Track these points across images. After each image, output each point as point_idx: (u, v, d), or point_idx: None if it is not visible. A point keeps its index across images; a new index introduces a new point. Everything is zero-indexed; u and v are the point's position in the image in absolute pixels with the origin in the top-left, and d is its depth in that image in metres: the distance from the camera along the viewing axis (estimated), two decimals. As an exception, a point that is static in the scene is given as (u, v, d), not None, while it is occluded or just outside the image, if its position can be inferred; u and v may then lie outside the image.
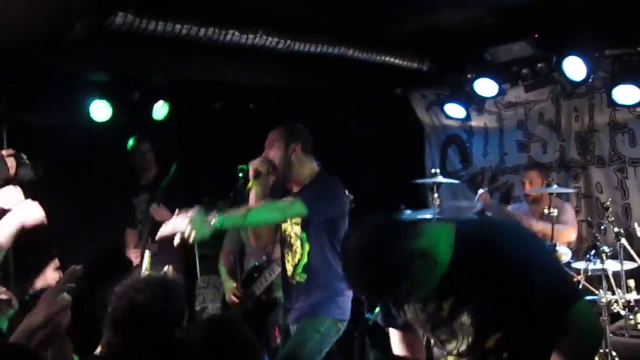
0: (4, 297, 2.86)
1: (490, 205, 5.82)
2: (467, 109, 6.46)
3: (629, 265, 4.98)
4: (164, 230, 3.12)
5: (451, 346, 2.23)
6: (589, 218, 5.91)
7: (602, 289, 4.83)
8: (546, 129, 6.37)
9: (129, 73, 5.72)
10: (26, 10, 4.00)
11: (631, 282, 4.99)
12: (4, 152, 3.01)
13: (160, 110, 6.28)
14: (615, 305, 4.84)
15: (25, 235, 2.92)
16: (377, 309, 2.99)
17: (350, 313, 3.75)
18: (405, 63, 6.02)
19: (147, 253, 4.54)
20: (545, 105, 6.35)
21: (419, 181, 6.18)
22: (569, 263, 5.18)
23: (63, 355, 2.14)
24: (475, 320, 2.11)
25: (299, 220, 3.66)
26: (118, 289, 2.25)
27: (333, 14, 5.03)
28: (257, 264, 4.88)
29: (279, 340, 4.40)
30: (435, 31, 5.43)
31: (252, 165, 3.63)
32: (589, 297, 4.68)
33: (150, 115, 6.26)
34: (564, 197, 5.89)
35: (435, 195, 5.68)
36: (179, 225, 3.06)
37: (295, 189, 3.72)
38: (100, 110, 5.97)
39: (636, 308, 4.89)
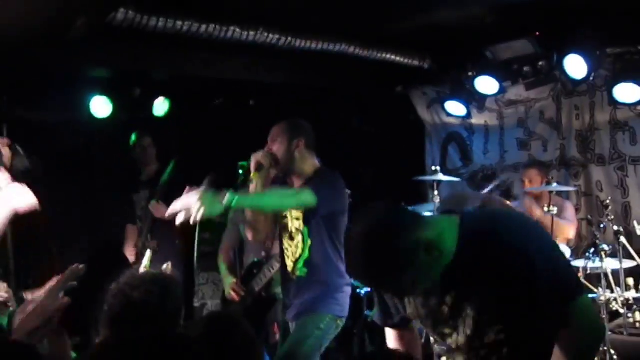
0: (1, 299, 2.85)
1: (494, 199, 5.82)
2: (467, 107, 6.46)
3: (628, 263, 4.98)
4: (174, 207, 3.06)
5: (451, 341, 2.22)
6: (589, 216, 5.90)
7: (601, 287, 4.84)
8: (547, 127, 6.37)
9: (130, 69, 5.73)
10: (27, 7, 4.00)
11: (630, 281, 5.00)
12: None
13: (160, 106, 6.29)
14: (614, 303, 4.85)
15: (21, 222, 2.90)
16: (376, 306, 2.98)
17: (349, 310, 3.75)
18: (406, 61, 6.02)
19: (148, 252, 4.54)
20: (546, 104, 6.34)
21: (419, 179, 6.19)
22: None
23: (61, 351, 2.15)
24: (477, 314, 2.09)
25: (299, 215, 3.66)
26: (114, 287, 2.25)
27: (334, 11, 5.02)
28: (256, 260, 4.88)
29: (278, 337, 4.41)
30: (437, 29, 5.43)
31: (255, 158, 3.62)
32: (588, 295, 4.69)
33: (150, 111, 6.27)
34: (564, 195, 5.89)
35: (436, 192, 5.69)
36: (188, 201, 3.03)
37: (297, 184, 3.71)
38: (101, 107, 5.98)
39: (635, 306, 4.89)
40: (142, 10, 4.37)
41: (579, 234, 5.82)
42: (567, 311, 2.03)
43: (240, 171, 3.89)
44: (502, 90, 6.14)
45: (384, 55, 5.79)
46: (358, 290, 5.49)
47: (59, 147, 5.88)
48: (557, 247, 2.26)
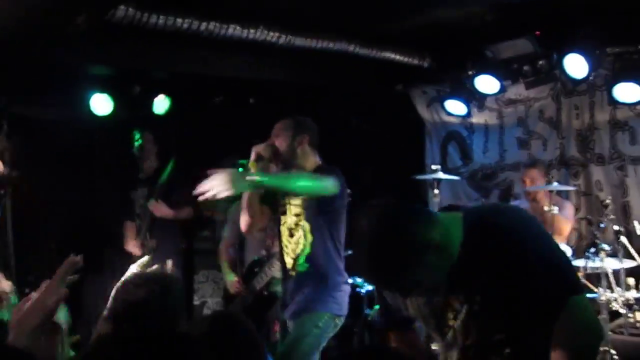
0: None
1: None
2: (467, 106, 6.46)
3: (628, 263, 4.98)
4: (202, 187, 3.07)
5: (453, 341, 2.21)
6: (589, 216, 5.90)
7: (602, 287, 4.83)
8: (546, 126, 6.36)
9: (130, 67, 5.71)
10: (27, 4, 4.00)
11: (630, 280, 4.99)
12: None
13: (161, 104, 6.29)
14: (614, 303, 4.84)
15: (21, 219, 2.87)
16: (376, 306, 2.98)
17: (348, 309, 3.75)
18: (406, 59, 6.01)
19: (146, 257, 4.53)
20: (545, 103, 6.34)
21: (419, 177, 6.19)
22: (568, 261, 5.18)
23: (52, 344, 2.12)
24: (480, 313, 2.09)
25: (299, 210, 3.65)
26: (116, 285, 2.25)
27: (334, 10, 5.02)
28: (256, 258, 4.88)
29: (278, 335, 4.41)
30: (437, 28, 5.43)
31: (256, 149, 3.61)
32: (588, 295, 4.68)
33: (151, 109, 6.27)
34: (564, 194, 5.89)
35: (436, 191, 5.69)
36: (217, 180, 3.02)
37: None
38: (101, 104, 5.98)
39: (635, 306, 4.88)
40: (142, 7, 4.36)
41: (579, 234, 5.82)
42: (565, 305, 2.02)
43: (240, 169, 3.88)
44: (502, 89, 6.14)
45: (383, 53, 5.79)
46: (358, 289, 5.49)
47: (59, 144, 5.88)
48: (557, 244, 2.26)
